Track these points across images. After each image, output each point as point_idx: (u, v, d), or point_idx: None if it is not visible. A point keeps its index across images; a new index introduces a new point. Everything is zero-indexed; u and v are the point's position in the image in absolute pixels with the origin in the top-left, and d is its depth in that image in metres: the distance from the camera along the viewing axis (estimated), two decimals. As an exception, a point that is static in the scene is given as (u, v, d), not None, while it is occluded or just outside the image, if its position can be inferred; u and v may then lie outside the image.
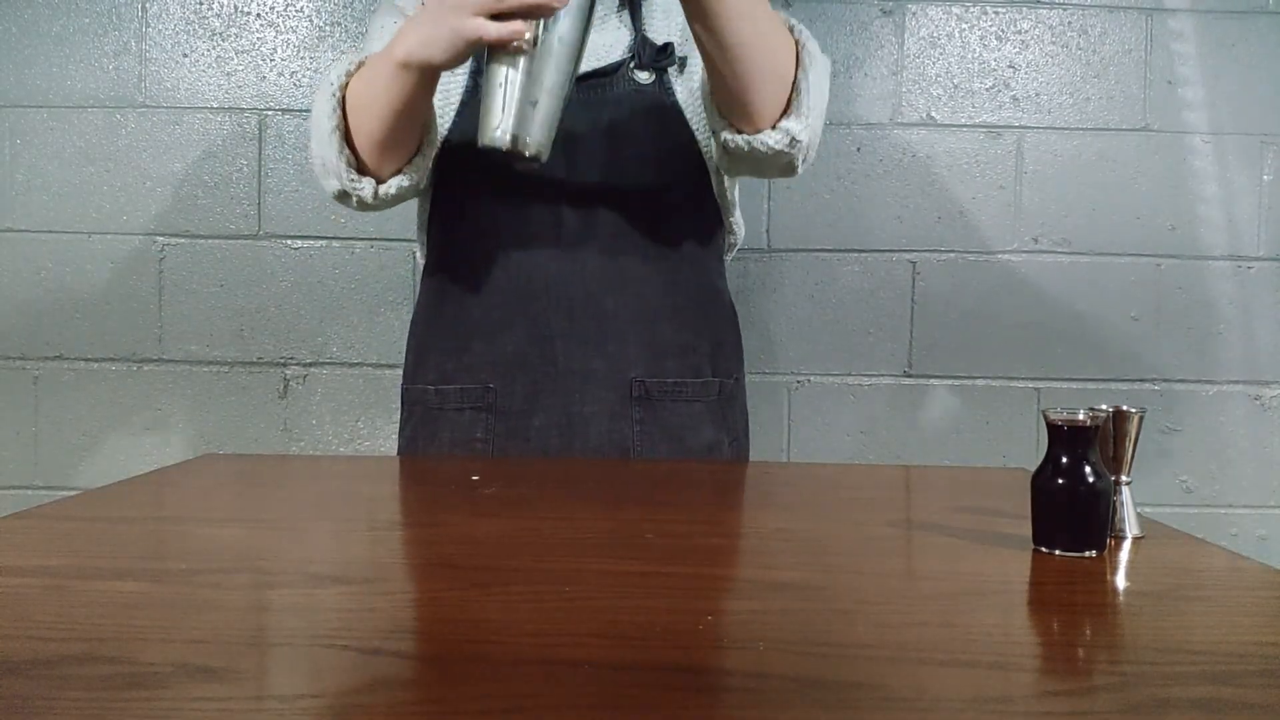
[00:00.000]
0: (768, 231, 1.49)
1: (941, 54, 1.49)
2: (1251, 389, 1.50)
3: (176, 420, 1.49)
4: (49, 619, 0.50)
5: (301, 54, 1.48)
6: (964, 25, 1.49)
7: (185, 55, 1.48)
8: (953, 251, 1.49)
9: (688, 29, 0.92)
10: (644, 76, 1.02)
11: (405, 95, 0.89)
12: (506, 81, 0.79)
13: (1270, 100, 1.49)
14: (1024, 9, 1.49)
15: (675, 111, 1.02)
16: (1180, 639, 0.51)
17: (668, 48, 1.02)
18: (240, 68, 1.48)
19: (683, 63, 1.02)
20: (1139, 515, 0.72)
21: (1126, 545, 0.69)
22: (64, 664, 0.43)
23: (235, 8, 1.48)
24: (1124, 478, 0.70)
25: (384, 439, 1.47)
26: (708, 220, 1.07)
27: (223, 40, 1.48)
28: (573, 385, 1.01)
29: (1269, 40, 1.49)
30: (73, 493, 0.85)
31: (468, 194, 1.04)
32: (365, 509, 0.84)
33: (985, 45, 1.49)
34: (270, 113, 1.48)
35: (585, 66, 0.93)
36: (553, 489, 0.89)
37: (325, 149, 0.95)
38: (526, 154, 0.80)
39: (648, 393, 1.02)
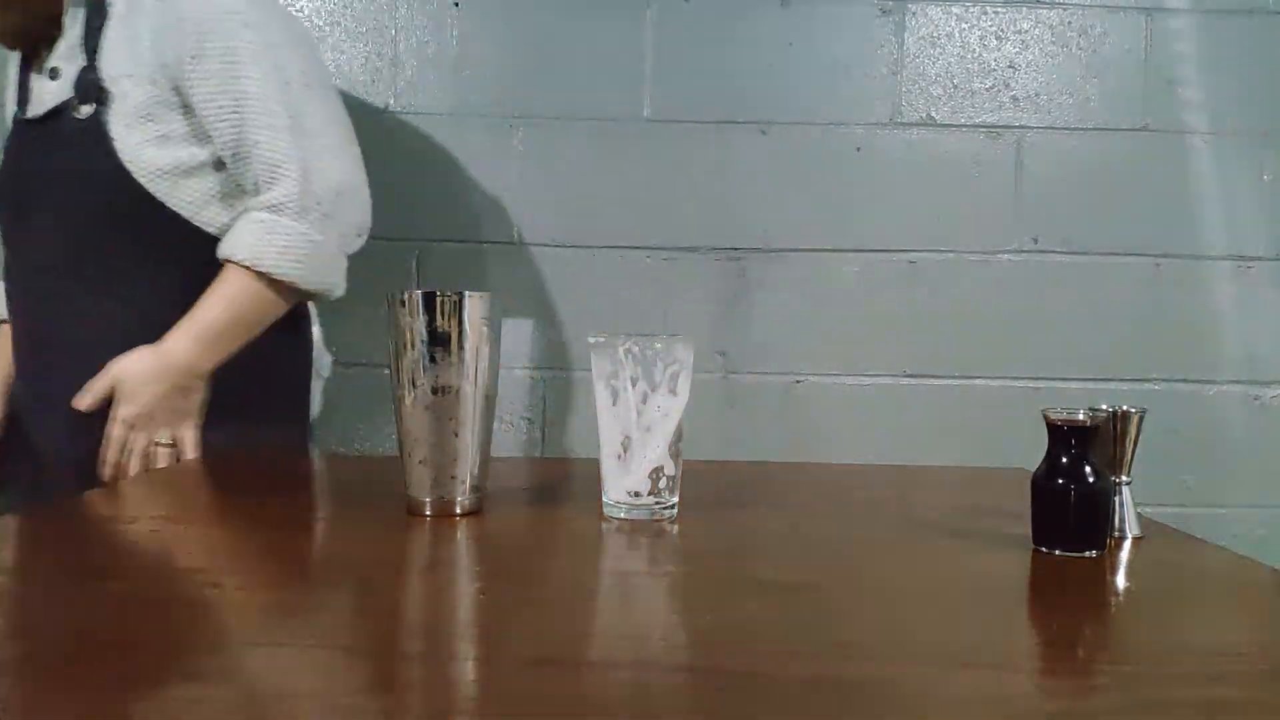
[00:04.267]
0: (767, 231, 1.49)
1: (941, 54, 1.49)
2: (1251, 389, 1.50)
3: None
4: (49, 619, 0.50)
5: (301, 54, 1.48)
6: (964, 25, 1.49)
7: (185, 55, 1.48)
8: (953, 251, 1.49)
9: (143, 58, 1.04)
10: (85, 110, 1.05)
11: None
12: None
13: (1270, 100, 1.49)
14: (1024, 9, 1.49)
15: (106, 147, 1.04)
16: (1180, 639, 0.51)
17: (96, 88, 1.05)
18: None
19: (105, 95, 1.05)
20: (1139, 515, 0.72)
21: (1126, 545, 0.69)
22: (64, 664, 0.43)
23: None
24: (1124, 478, 0.70)
25: (384, 439, 1.47)
26: (158, 245, 1.08)
27: (223, 40, 1.48)
28: (40, 408, 1.10)
29: (1269, 40, 1.49)
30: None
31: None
32: (365, 509, 0.84)
33: (985, 45, 1.49)
34: (270, 113, 1.48)
35: (35, 111, 1.08)
36: (553, 488, 0.89)
37: None
38: None
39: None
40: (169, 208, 1.06)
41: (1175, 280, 1.50)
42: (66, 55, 1.08)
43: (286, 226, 1.06)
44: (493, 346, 0.74)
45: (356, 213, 1.13)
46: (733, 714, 0.39)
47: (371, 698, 0.41)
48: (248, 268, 1.05)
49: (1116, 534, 0.70)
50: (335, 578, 0.60)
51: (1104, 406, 0.69)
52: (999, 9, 1.49)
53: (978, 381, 1.50)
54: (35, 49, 1.11)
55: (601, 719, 0.39)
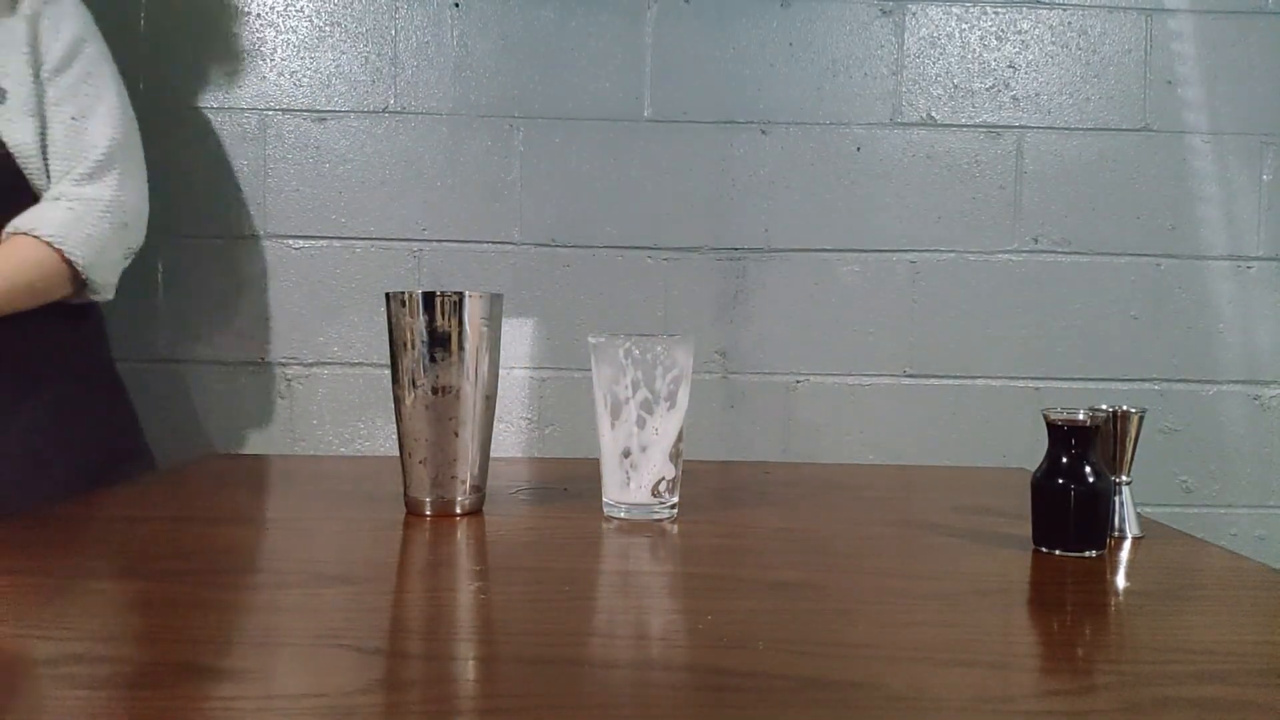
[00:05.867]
0: (768, 231, 1.49)
1: (941, 54, 1.49)
2: (1251, 389, 1.50)
3: (178, 420, 1.49)
4: (50, 618, 0.50)
5: (301, 54, 1.48)
6: (964, 25, 1.49)
7: (185, 55, 1.48)
8: (953, 251, 1.50)
9: (13, 63, 1.09)
10: None
11: None
12: None
13: (1270, 100, 1.49)
14: (1024, 9, 1.49)
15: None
16: (1180, 639, 0.51)
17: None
18: (240, 67, 1.48)
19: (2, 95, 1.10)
20: (1139, 515, 0.72)
21: (1126, 545, 0.69)
22: (64, 663, 0.43)
23: (235, 7, 1.48)
24: (1124, 478, 0.70)
25: (384, 439, 1.47)
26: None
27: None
28: None
29: (1269, 40, 1.49)
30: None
31: None
32: (366, 509, 0.84)
33: (985, 45, 1.49)
34: (270, 112, 1.48)
35: None
36: (553, 488, 0.89)
37: None
38: None
39: None
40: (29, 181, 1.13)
41: (1175, 280, 1.50)
42: None
43: (83, 215, 1.14)
44: (493, 346, 0.74)
45: (140, 235, 1.23)
46: (733, 714, 0.39)
47: (372, 697, 0.41)
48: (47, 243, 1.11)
49: (1116, 534, 0.70)
50: (335, 577, 0.60)
51: (1104, 406, 0.69)
52: (999, 9, 1.49)
53: (978, 381, 1.50)
54: None
55: (601, 719, 0.39)
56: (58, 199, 1.13)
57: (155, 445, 1.51)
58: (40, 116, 1.14)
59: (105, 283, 1.16)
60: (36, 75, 1.14)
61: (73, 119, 1.16)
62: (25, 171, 1.12)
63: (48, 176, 1.14)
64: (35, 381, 1.11)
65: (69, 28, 1.18)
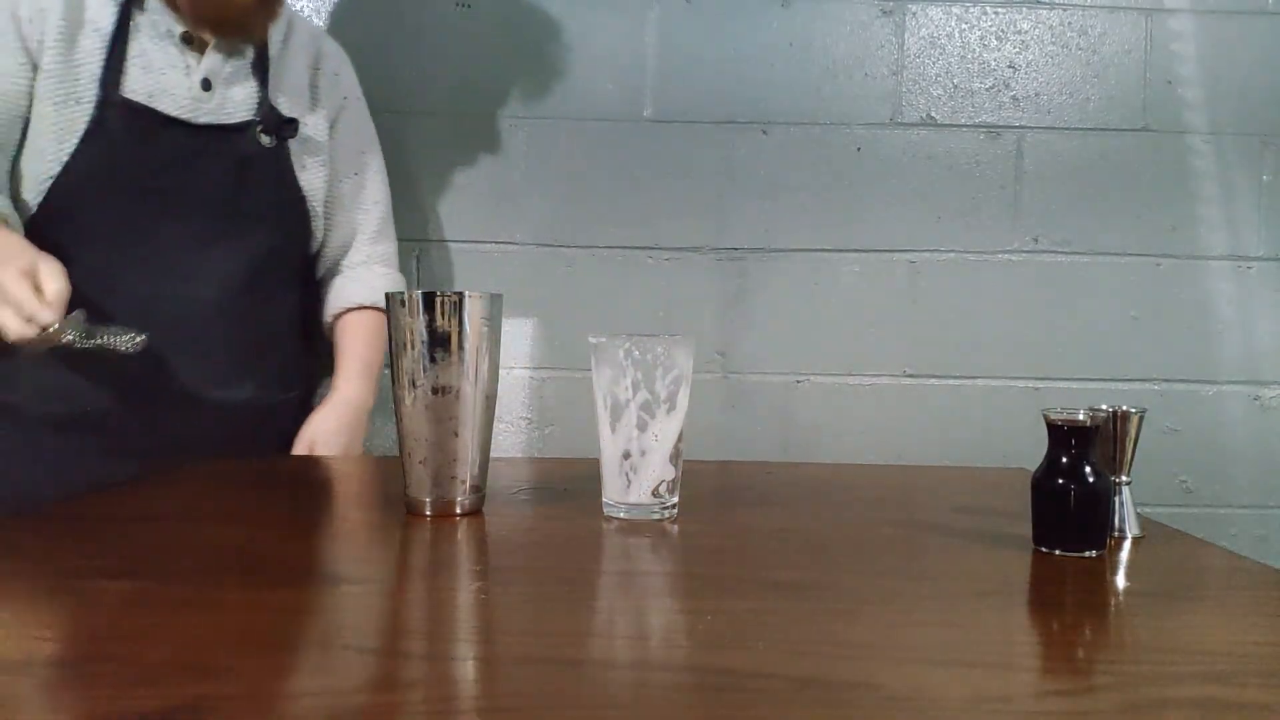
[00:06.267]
0: (768, 231, 1.49)
1: (941, 54, 1.49)
2: (1251, 389, 1.50)
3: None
4: (50, 618, 0.50)
5: (302, 54, 1.48)
6: (964, 25, 1.49)
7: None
8: (953, 251, 1.50)
9: (302, 103, 1.19)
10: (266, 140, 1.16)
11: None
12: None
13: (1270, 100, 1.49)
14: (1024, 9, 1.49)
15: (291, 175, 1.19)
16: (1180, 639, 0.51)
17: (294, 123, 1.18)
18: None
19: (291, 129, 1.18)
20: (1139, 515, 0.72)
21: (1126, 545, 0.69)
22: (64, 663, 0.43)
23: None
24: (1124, 478, 0.70)
25: (384, 439, 1.47)
26: (303, 270, 1.27)
27: (223, 40, 1.48)
28: (188, 405, 1.13)
29: (1269, 40, 1.49)
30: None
31: (81, 233, 1.10)
32: (366, 509, 0.84)
33: (985, 45, 1.49)
34: (270, 113, 1.48)
35: (215, 119, 1.13)
36: (553, 488, 0.89)
37: None
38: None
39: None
40: (315, 224, 1.25)
41: (1175, 280, 1.50)
42: (218, 72, 1.14)
43: (397, 279, 1.33)
44: (493, 346, 0.74)
45: None
46: (733, 714, 0.39)
47: (372, 697, 0.41)
48: (380, 310, 1.26)
49: (1116, 534, 0.70)
50: (335, 577, 0.60)
51: (1104, 406, 0.69)
52: (999, 9, 1.49)
53: (978, 381, 1.50)
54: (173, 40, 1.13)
55: (601, 719, 0.39)
56: (368, 263, 1.30)
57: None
58: (329, 167, 1.24)
59: None
60: (322, 123, 1.23)
61: (355, 174, 1.28)
62: (310, 215, 1.23)
63: (320, 223, 1.25)
64: (274, 339, 1.22)
65: (346, 82, 1.28)
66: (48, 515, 0.75)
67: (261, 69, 1.18)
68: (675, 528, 0.71)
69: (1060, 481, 0.64)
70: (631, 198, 1.48)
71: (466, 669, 0.45)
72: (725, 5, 1.48)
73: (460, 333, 0.71)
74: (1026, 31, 1.49)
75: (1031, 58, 1.49)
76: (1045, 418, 0.65)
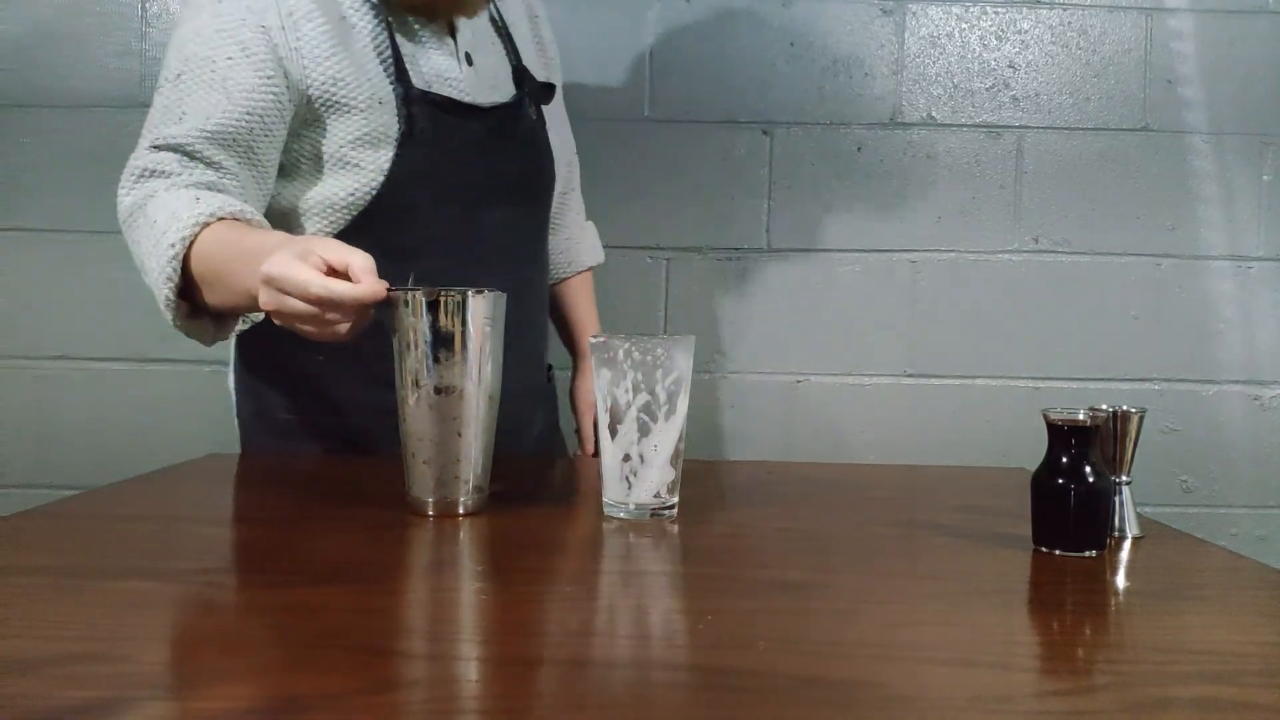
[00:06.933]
0: (768, 231, 1.49)
1: (941, 54, 1.49)
2: (1251, 389, 1.50)
3: (180, 420, 1.49)
4: (51, 617, 0.50)
5: (302, 54, 1.48)
6: (964, 25, 1.49)
7: (186, 55, 1.48)
8: (953, 251, 1.50)
9: (539, 60, 1.14)
10: (533, 112, 1.11)
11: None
12: None
13: (1270, 100, 1.49)
14: (1024, 9, 1.49)
15: (547, 144, 1.13)
16: (1180, 639, 0.51)
17: (551, 88, 1.13)
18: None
19: (547, 95, 1.13)
20: (1139, 515, 0.72)
21: (1126, 545, 0.69)
22: (65, 663, 0.43)
23: (236, 8, 1.48)
24: (1124, 478, 0.70)
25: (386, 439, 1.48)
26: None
27: (223, 40, 1.48)
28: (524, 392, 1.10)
29: (1269, 40, 1.49)
30: (76, 491, 0.85)
31: (417, 238, 1.02)
32: (368, 509, 0.84)
33: (985, 45, 1.49)
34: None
35: (493, 99, 1.05)
36: (554, 489, 0.89)
37: (158, 294, 0.90)
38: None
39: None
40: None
41: (1175, 280, 1.50)
42: (474, 44, 1.06)
43: (597, 236, 1.32)
44: (496, 347, 0.74)
45: None
46: (732, 714, 0.39)
47: (372, 697, 0.41)
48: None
49: (1116, 534, 0.70)
50: (337, 577, 0.61)
51: (1104, 406, 0.69)
52: (999, 9, 1.49)
53: (978, 381, 1.50)
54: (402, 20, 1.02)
55: (601, 719, 0.39)
56: (579, 219, 1.28)
57: (155, 445, 1.52)
58: (564, 125, 1.21)
59: None
60: (557, 76, 1.19)
61: (564, 123, 1.23)
62: (555, 177, 1.16)
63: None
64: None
65: (550, 38, 1.21)
66: (52, 514, 0.75)
67: (499, 32, 1.11)
68: (675, 528, 0.71)
69: (1060, 481, 0.64)
70: (631, 198, 1.48)
71: (468, 669, 0.45)
72: (725, 5, 1.47)
73: (464, 333, 0.71)
74: (1026, 31, 1.49)
75: (1031, 57, 1.49)
76: (1045, 418, 0.65)
